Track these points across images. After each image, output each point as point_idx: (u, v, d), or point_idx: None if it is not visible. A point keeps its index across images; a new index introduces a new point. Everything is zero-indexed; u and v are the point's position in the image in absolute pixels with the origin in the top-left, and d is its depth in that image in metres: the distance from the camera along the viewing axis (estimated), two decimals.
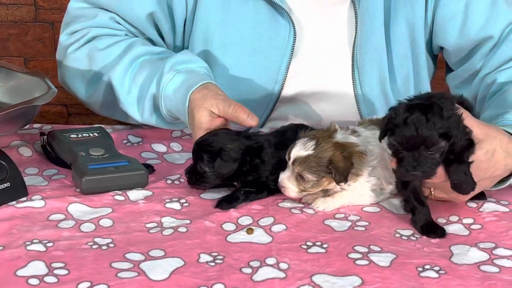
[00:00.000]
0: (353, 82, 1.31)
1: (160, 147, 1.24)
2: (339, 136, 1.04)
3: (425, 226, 0.99)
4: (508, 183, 1.06)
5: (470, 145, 0.98)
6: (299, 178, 1.02)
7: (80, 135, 1.17)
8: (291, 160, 1.02)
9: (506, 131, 1.05)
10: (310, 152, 1.01)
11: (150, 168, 1.13)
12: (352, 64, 1.30)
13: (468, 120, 0.98)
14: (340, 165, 1.00)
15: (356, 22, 1.28)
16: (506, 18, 1.27)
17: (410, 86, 1.33)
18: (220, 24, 1.29)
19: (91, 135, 1.17)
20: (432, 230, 0.99)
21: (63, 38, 1.33)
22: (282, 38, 1.28)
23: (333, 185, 1.03)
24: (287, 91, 1.32)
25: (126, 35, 1.31)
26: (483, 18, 1.27)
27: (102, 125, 1.25)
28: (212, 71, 1.25)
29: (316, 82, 1.32)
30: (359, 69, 1.29)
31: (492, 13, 1.27)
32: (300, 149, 1.02)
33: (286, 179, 1.03)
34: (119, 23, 1.30)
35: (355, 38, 1.28)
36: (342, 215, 1.03)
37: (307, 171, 1.02)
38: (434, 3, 1.29)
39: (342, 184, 1.02)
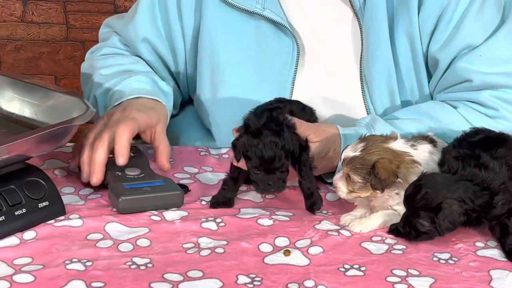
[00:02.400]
0: (362, 96, 1.31)
1: (191, 169, 1.24)
2: (396, 144, 1.04)
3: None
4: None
5: (303, 148, 1.09)
6: (348, 178, 1.03)
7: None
8: (341, 160, 1.04)
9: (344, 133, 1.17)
10: (357, 153, 1.02)
11: (185, 189, 1.14)
12: (361, 78, 1.30)
13: (303, 127, 1.11)
14: (382, 173, 1.01)
15: (362, 36, 1.28)
16: (460, 44, 1.26)
17: (415, 97, 1.32)
18: (224, 45, 1.31)
19: None
20: None
21: (86, 56, 1.45)
22: (286, 54, 1.30)
23: (380, 194, 1.03)
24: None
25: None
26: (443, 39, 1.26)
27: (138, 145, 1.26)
28: (220, 92, 1.31)
29: (323, 97, 1.32)
30: (367, 83, 1.30)
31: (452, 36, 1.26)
32: (350, 150, 1.04)
33: (338, 179, 1.05)
34: (126, 45, 1.40)
35: (361, 52, 1.29)
36: (379, 238, 1.03)
37: (352, 171, 1.03)
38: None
39: (379, 192, 1.02)
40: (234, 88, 1.31)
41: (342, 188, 1.05)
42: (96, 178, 1.11)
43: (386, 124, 1.21)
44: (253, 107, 1.28)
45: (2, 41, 2.16)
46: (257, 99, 1.28)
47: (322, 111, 1.30)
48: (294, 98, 1.31)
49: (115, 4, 2.15)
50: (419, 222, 0.99)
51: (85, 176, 1.13)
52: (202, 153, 1.30)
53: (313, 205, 1.09)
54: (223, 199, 1.12)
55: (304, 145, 1.09)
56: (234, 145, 1.08)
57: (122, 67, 1.34)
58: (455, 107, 1.26)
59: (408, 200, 0.99)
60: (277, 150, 1.05)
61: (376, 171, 1.01)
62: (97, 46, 1.43)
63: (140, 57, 1.38)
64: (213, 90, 1.33)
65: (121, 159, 1.12)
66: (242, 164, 1.09)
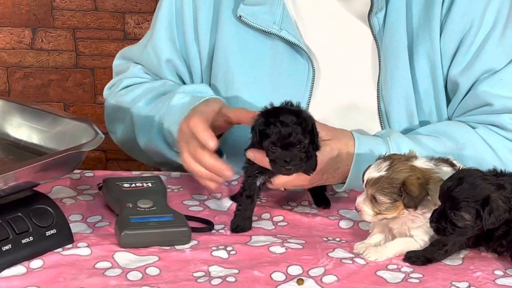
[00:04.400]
0: (379, 118, 1.29)
1: (201, 196, 1.22)
2: (419, 162, 1.01)
3: None
4: (345, 186, 1.17)
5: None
6: (373, 200, 1.00)
7: (133, 185, 1.15)
8: (365, 181, 1.01)
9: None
10: (383, 173, 0.99)
11: (210, 225, 1.10)
12: (378, 100, 1.29)
13: (317, 124, 1.11)
14: (413, 190, 0.98)
15: (379, 58, 1.27)
16: (482, 68, 1.25)
17: (433, 120, 1.30)
18: (239, 64, 1.30)
19: (145, 185, 1.16)
20: None
21: (105, 93, 1.43)
22: (301, 75, 1.29)
23: (407, 213, 1.00)
24: None
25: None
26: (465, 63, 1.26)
27: (160, 174, 1.26)
28: None
29: (339, 119, 1.29)
30: (385, 105, 1.28)
31: (474, 59, 1.25)
32: (373, 170, 1.00)
33: (361, 202, 1.02)
34: (147, 73, 1.39)
35: (379, 74, 1.28)
36: (395, 266, 1.00)
37: (379, 192, 1.00)
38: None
39: (411, 210, 0.99)
40: (248, 108, 1.29)
41: (367, 211, 1.02)
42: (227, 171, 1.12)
43: (402, 136, 1.20)
44: None
45: (11, 68, 2.16)
46: None
47: None
48: None
49: (124, 31, 2.15)
50: (459, 215, 0.95)
51: (220, 181, 1.15)
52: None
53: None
54: (243, 222, 1.10)
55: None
56: (252, 127, 1.08)
57: (154, 93, 1.33)
58: (473, 128, 1.24)
59: (448, 192, 0.96)
60: (294, 126, 1.05)
61: (407, 188, 0.98)
62: (115, 80, 1.41)
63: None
64: None
65: (211, 143, 1.11)
66: (259, 157, 1.09)
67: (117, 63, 1.44)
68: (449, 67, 1.27)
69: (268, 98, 1.27)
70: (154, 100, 1.32)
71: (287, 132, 1.05)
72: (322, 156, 1.12)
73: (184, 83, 1.38)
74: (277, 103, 1.27)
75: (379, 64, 1.27)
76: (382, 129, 1.29)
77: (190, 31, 1.33)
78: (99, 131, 1.10)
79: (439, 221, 0.96)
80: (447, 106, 1.30)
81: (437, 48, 1.26)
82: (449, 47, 1.26)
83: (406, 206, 0.99)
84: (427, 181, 0.99)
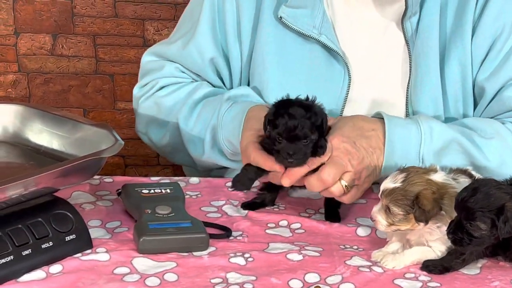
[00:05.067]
0: None
1: (218, 202, 1.22)
2: (436, 175, 1.01)
3: None
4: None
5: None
6: (387, 210, 1.00)
7: (152, 191, 1.16)
8: (380, 191, 1.01)
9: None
10: (398, 184, 1.00)
11: (228, 232, 1.11)
12: (406, 105, 1.29)
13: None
14: (426, 204, 0.98)
15: (410, 63, 1.27)
16: (508, 74, 1.25)
17: None
18: (275, 66, 1.30)
19: (163, 191, 1.16)
20: None
21: (135, 91, 1.41)
22: (336, 81, 1.29)
23: (421, 226, 1.00)
24: None
25: (191, 82, 1.37)
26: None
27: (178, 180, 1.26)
28: None
29: None
30: (413, 110, 1.28)
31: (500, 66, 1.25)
32: (389, 181, 1.01)
33: (376, 212, 1.02)
34: (183, 72, 1.37)
35: (409, 79, 1.28)
36: (412, 275, 1.00)
37: (393, 203, 1.00)
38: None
39: (422, 224, 0.99)
40: None
41: (381, 221, 1.02)
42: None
43: (432, 118, 1.20)
44: None
45: (32, 74, 2.18)
46: None
47: None
48: None
49: (144, 37, 2.16)
50: (474, 225, 0.95)
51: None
52: (230, 188, 1.28)
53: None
54: (245, 180, 1.12)
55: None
56: (264, 116, 1.09)
57: (198, 96, 1.33)
58: (503, 123, 1.24)
59: (463, 202, 0.96)
60: (301, 119, 1.06)
61: (420, 202, 0.98)
62: (149, 79, 1.39)
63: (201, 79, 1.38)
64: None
65: (286, 180, 1.11)
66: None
67: (148, 59, 1.42)
68: (478, 72, 1.27)
69: None
70: (199, 105, 1.32)
71: (293, 124, 1.06)
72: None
73: (223, 83, 1.38)
74: None
75: (410, 69, 1.27)
76: None
77: (232, 31, 1.33)
78: (118, 138, 1.11)
79: (455, 232, 0.96)
80: (474, 110, 1.30)
81: (469, 53, 1.26)
82: (480, 52, 1.26)
83: (417, 220, 0.99)
84: (442, 196, 0.99)
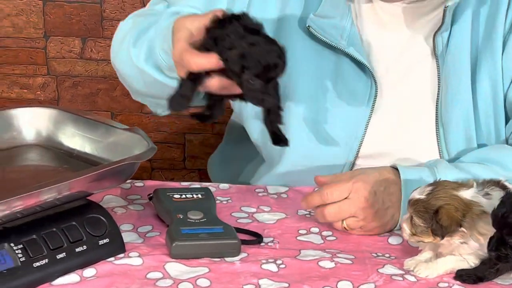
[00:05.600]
0: (437, 139, 1.27)
1: (249, 208, 1.23)
2: (466, 192, 1.01)
3: None
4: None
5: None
6: (412, 220, 1.01)
7: (183, 196, 1.16)
8: (408, 201, 1.02)
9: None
10: (423, 196, 1.00)
11: (259, 237, 1.11)
12: (436, 121, 1.27)
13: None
14: (444, 219, 0.98)
15: (439, 78, 1.26)
16: None
17: (492, 142, 1.28)
18: (301, 76, 1.28)
19: (195, 196, 1.17)
20: None
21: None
22: (363, 94, 1.27)
23: (445, 241, 1.00)
24: (366, 148, 1.29)
25: None
26: None
27: (209, 186, 1.26)
28: (290, 123, 1.25)
29: (396, 140, 1.29)
30: (444, 127, 1.27)
31: None
32: (417, 192, 1.01)
33: (403, 220, 1.03)
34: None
35: (438, 95, 1.26)
36: (446, 284, 1.00)
37: (415, 214, 1.00)
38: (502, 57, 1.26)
39: (438, 238, 0.99)
40: (305, 122, 1.28)
41: (406, 230, 1.02)
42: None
43: (449, 167, 1.18)
44: (324, 143, 1.26)
45: (61, 77, 2.19)
46: (327, 136, 1.27)
47: (394, 153, 1.27)
48: (366, 139, 1.28)
49: None
50: None
51: None
52: (260, 194, 1.29)
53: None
54: (178, 97, 1.08)
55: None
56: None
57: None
58: None
59: (504, 218, 0.94)
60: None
61: (438, 217, 0.98)
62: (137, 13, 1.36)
63: None
64: (292, 122, 1.28)
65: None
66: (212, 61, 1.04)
67: (151, 2, 1.38)
68: (509, 87, 1.25)
69: (327, 115, 1.27)
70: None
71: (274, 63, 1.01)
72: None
73: None
74: (336, 121, 1.26)
75: (438, 85, 1.26)
76: (439, 151, 1.27)
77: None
78: (151, 143, 1.11)
79: (498, 249, 0.96)
80: (505, 126, 1.28)
81: (499, 68, 1.25)
82: (510, 67, 1.24)
83: (433, 233, 0.99)
84: (464, 214, 0.99)
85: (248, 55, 1.01)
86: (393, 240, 1.12)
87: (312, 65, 1.28)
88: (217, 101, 1.14)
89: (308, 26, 1.25)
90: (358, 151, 1.29)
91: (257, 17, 1.26)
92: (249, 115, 1.35)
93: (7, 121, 1.21)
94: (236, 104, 1.39)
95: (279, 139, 1.13)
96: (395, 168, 1.16)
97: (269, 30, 1.27)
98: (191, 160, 2.27)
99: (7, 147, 1.20)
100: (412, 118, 1.29)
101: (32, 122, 1.22)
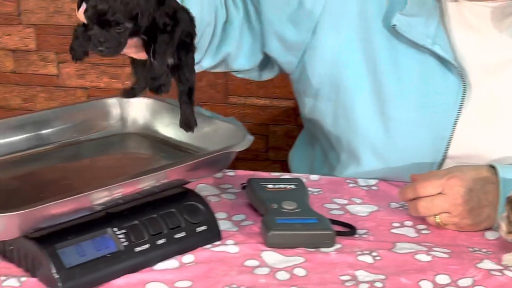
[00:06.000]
0: None
1: (341, 200, 1.23)
2: None
3: None
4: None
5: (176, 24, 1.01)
6: (509, 218, 0.99)
7: (277, 186, 1.17)
8: (506, 198, 1.00)
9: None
10: None
11: (352, 229, 1.11)
12: None
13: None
14: None
15: None
16: None
17: None
18: (387, 76, 1.27)
19: (288, 187, 1.18)
20: None
21: None
22: (450, 94, 1.25)
23: None
24: (454, 149, 1.27)
25: None
26: None
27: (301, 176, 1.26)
28: (376, 123, 1.26)
29: (486, 144, 1.26)
30: None
31: None
32: None
33: (501, 218, 1.01)
34: None
35: None
36: None
37: (510, 213, 0.99)
38: None
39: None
40: (392, 123, 1.28)
41: (502, 228, 1.01)
42: None
43: None
44: (409, 145, 1.25)
45: None
46: (414, 137, 1.26)
47: (484, 153, 1.25)
48: (454, 143, 1.26)
49: None
50: None
51: None
52: (351, 185, 1.29)
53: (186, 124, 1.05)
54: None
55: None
56: None
57: None
58: None
59: None
60: (113, 3, 0.95)
61: None
62: None
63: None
64: (376, 122, 1.29)
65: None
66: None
67: None
68: None
69: (413, 116, 1.25)
70: None
71: (102, 9, 0.95)
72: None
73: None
74: (422, 121, 1.24)
75: None
76: None
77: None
78: (247, 133, 1.13)
79: None
80: None
81: None
82: None
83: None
84: None
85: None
86: (490, 235, 1.10)
87: (398, 64, 1.26)
88: (138, 67, 1.12)
89: (394, 24, 1.23)
90: (446, 152, 1.27)
91: (336, 15, 1.27)
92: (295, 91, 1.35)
93: (105, 109, 1.25)
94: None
95: (185, 123, 1.10)
96: (492, 167, 1.14)
97: (350, 29, 1.28)
98: (274, 151, 2.28)
99: (106, 135, 1.23)
100: (503, 118, 1.26)
101: (129, 111, 1.25)
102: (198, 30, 1.14)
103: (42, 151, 1.17)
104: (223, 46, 1.33)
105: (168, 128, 1.25)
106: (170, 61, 1.04)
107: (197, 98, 2.24)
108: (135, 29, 0.98)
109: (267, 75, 1.44)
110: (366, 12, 1.27)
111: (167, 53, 1.02)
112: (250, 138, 1.11)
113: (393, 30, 1.24)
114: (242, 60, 1.36)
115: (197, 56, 1.17)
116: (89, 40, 0.97)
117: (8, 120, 1.18)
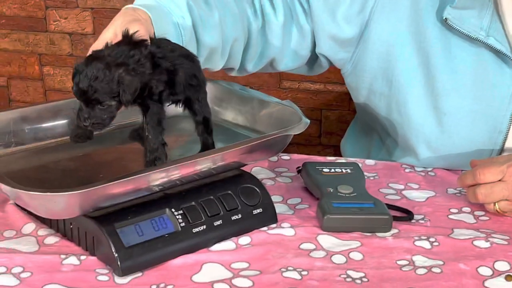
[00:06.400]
0: None
1: (397, 185, 1.22)
2: None
3: None
4: None
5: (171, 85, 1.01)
6: None
7: (332, 170, 1.17)
8: None
9: None
10: None
11: (411, 215, 1.11)
12: None
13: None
14: None
15: None
16: None
17: None
18: (440, 70, 1.24)
19: (344, 171, 1.17)
20: None
21: None
22: (506, 87, 1.22)
23: None
24: (511, 142, 1.25)
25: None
26: None
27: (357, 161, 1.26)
28: (432, 118, 1.24)
29: None
30: None
31: None
32: None
33: None
34: None
35: None
36: None
37: None
38: None
39: None
40: (446, 117, 1.26)
41: None
42: None
43: None
44: (464, 138, 1.24)
45: None
46: (470, 131, 1.24)
47: None
48: (510, 134, 1.24)
49: None
50: None
51: None
52: (407, 170, 1.28)
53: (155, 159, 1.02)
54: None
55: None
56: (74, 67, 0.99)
57: None
58: None
59: None
60: (95, 83, 0.95)
61: None
62: None
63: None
64: (430, 117, 1.27)
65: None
66: None
67: None
68: None
69: (468, 109, 1.23)
70: None
71: (83, 88, 0.95)
72: None
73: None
74: (477, 115, 1.22)
75: None
76: None
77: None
78: (303, 116, 1.12)
79: None
80: None
81: None
82: None
83: None
84: None
85: None
86: None
87: (451, 58, 1.24)
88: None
89: (445, 18, 1.21)
90: (503, 146, 1.25)
91: (388, 8, 1.25)
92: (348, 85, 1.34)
93: None
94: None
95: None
96: None
97: (402, 23, 1.26)
98: (327, 136, 2.28)
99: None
100: None
101: None
102: (224, 49, 1.21)
103: (98, 133, 1.18)
104: (265, 52, 1.34)
105: (225, 111, 1.25)
106: (162, 137, 1.04)
107: (251, 83, 2.28)
108: (122, 103, 0.98)
109: (318, 71, 1.43)
110: (418, 5, 1.25)
111: (161, 125, 1.03)
112: (306, 121, 1.10)
113: (445, 23, 1.22)
114: (288, 61, 1.36)
115: (232, 65, 1.28)
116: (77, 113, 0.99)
117: (66, 102, 1.20)
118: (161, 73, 1.01)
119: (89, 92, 0.95)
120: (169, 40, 1.07)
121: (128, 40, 1.01)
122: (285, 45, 1.33)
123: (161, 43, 1.04)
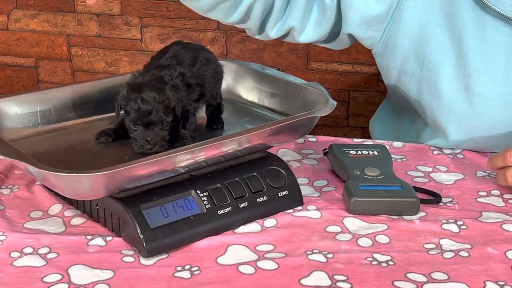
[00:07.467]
0: None
1: (425, 167, 1.21)
2: None
3: None
4: None
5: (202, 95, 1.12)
6: None
7: (359, 152, 1.16)
8: None
9: None
10: None
11: (438, 197, 1.09)
12: None
13: None
14: None
15: None
16: None
17: None
18: (472, 49, 1.22)
19: (371, 153, 1.16)
20: None
21: None
22: None
23: None
24: None
25: None
26: None
27: (384, 143, 1.25)
28: (463, 102, 1.23)
29: None
30: None
31: None
32: None
33: None
34: None
35: None
36: None
37: None
38: None
39: None
40: (478, 98, 1.23)
41: None
42: None
43: None
44: (496, 121, 1.22)
45: (230, 32, 2.24)
46: (501, 113, 1.22)
47: None
48: None
49: None
50: None
51: None
52: (435, 152, 1.27)
53: None
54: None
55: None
56: (116, 99, 1.06)
57: None
58: None
59: None
60: (155, 104, 1.03)
61: None
62: None
63: None
64: (461, 98, 1.26)
65: None
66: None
67: None
68: None
69: (500, 90, 1.20)
70: None
71: (146, 109, 1.03)
72: None
73: None
74: (510, 98, 1.19)
75: None
76: None
77: None
78: (330, 98, 1.11)
79: None
80: None
81: None
82: None
83: None
84: None
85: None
86: None
87: (484, 38, 1.21)
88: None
89: None
90: None
91: None
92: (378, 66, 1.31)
93: None
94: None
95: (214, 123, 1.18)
96: None
97: (435, 1, 1.23)
98: (355, 118, 2.26)
99: None
100: None
101: None
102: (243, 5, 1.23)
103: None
104: (287, 19, 1.32)
105: (251, 92, 1.25)
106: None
107: (278, 63, 2.27)
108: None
109: (339, 46, 1.41)
110: None
111: (196, 131, 1.12)
112: (333, 103, 1.09)
113: (480, 2, 1.20)
114: (308, 33, 1.34)
115: (250, 26, 1.30)
116: (135, 140, 1.04)
117: (94, 83, 1.21)
118: (193, 90, 1.11)
119: (153, 113, 1.03)
120: (181, 44, 1.14)
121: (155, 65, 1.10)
122: (306, 16, 1.32)
123: (178, 55, 1.12)
